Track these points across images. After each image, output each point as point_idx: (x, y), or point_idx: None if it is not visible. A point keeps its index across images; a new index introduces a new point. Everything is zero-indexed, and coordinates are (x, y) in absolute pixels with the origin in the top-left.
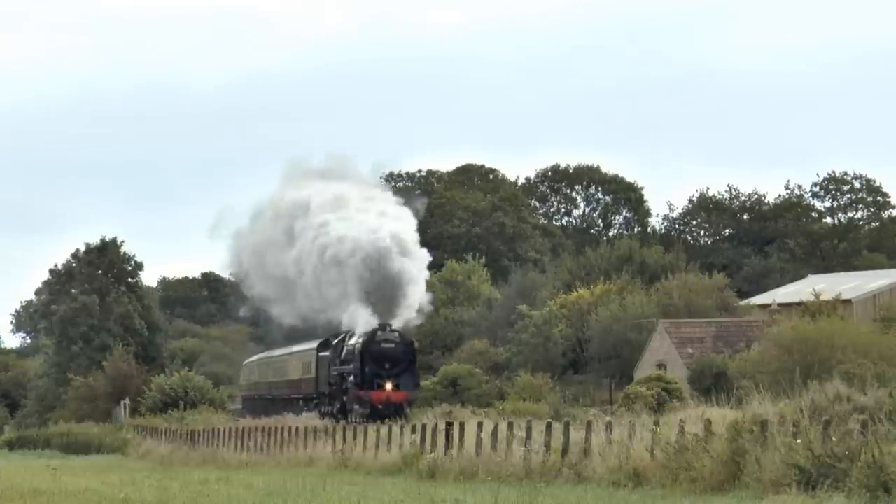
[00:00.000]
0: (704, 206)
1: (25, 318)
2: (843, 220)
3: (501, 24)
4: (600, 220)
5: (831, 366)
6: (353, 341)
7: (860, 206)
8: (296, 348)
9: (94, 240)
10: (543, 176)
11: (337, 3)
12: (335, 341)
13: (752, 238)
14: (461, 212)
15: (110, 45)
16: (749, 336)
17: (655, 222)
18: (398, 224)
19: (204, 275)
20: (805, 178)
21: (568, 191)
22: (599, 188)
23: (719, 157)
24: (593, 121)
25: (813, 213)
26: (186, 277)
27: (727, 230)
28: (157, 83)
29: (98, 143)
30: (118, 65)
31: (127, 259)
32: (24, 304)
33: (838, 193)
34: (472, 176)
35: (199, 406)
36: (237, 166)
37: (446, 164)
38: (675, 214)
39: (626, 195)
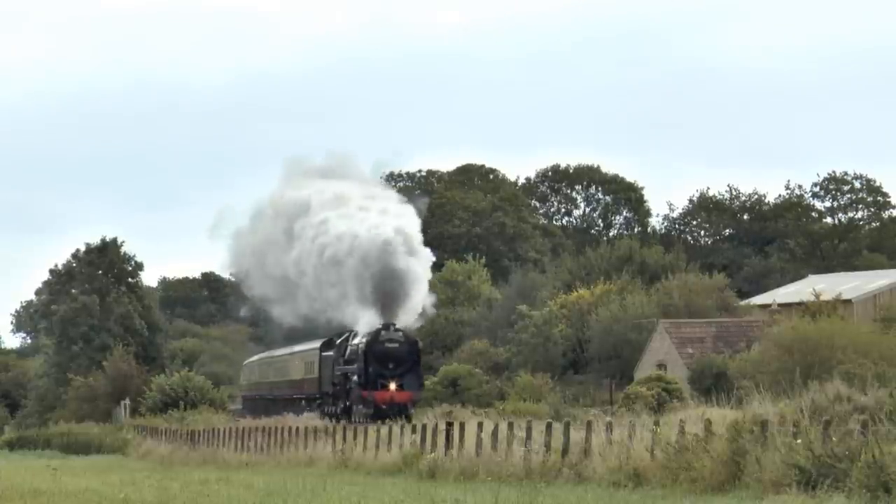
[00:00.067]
0: (704, 206)
1: (25, 318)
2: (843, 220)
3: (501, 23)
4: (600, 221)
5: (831, 366)
6: (356, 341)
7: (860, 206)
8: (298, 348)
9: (95, 240)
10: (544, 176)
11: (337, 3)
12: (338, 341)
13: (753, 238)
14: (461, 212)
15: (110, 44)
16: (749, 336)
17: (655, 222)
18: (402, 220)
19: (204, 275)
20: (805, 178)
21: (568, 191)
22: (599, 188)
23: (719, 157)
24: (593, 121)
25: (813, 213)
26: (186, 277)
27: (727, 230)
28: (157, 83)
29: (98, 143)
30: (118, 64)
31: (127, 259)
32: (24, 304)
33: (838, 193)
34: (473, 176)
35: (200, 406)
36: (237, 166)
37: (446, 164)
38: (675, 214)
39: (627, 195)
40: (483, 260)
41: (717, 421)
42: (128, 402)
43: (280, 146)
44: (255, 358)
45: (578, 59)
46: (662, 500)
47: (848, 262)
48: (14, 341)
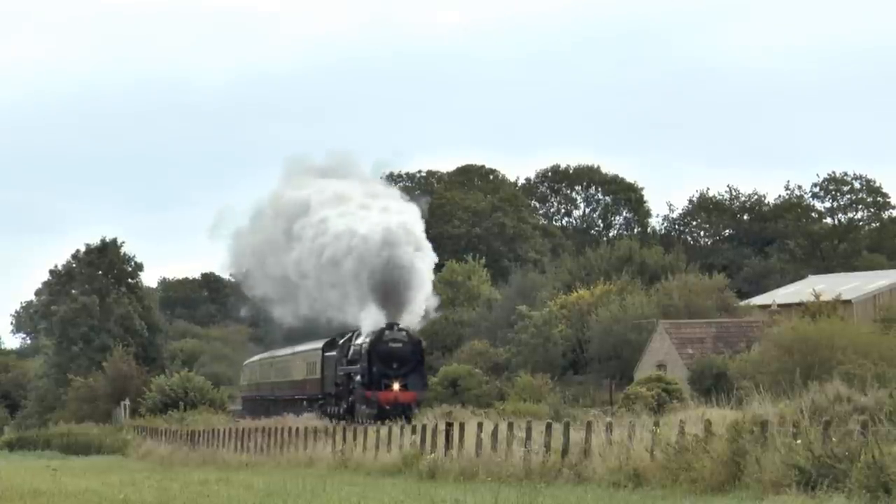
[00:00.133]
0: (704, 207)
1: (25, 319)
2: (843, 220)
3: (501, 23)
4: (600, 221)
5: (831, 366)
6: (359, 341)
7: (860, 206)
8: (300, 348)
9: (95, 240)
10: (543, 176)
11: (337, 3)
12: (341, 341)
13: (752, 238)
14: (461, 212)
15: (110, 44)
16: (749, 336)
17: (655, 223)
18: (405, 217)
19: (204, 275)
20: (805, 178)
21: (568, 191)
22: (599, 189)
23: (719, 157)
24: (593, 121)
25: (813, 214)
26: (186, 278)
27: (727, 231)
28: (157, 82)
29: (98, 143)
30: (118, 64)
31: (127, 260)
32: (24, 304)
33: (838, 194)
34: (472, 176)
35: (199, 407)
36: (237, 166)
37: (446, 165)
38: (675, 215)
39: (626, 196)
40: (483, 260)
41: (717, 421)
42: (128, 402)
43: (280, 146)
44: (255, 358)
45: (578, 59)
46: (662, 500)
47: (848, 263)
48: (14, 342)
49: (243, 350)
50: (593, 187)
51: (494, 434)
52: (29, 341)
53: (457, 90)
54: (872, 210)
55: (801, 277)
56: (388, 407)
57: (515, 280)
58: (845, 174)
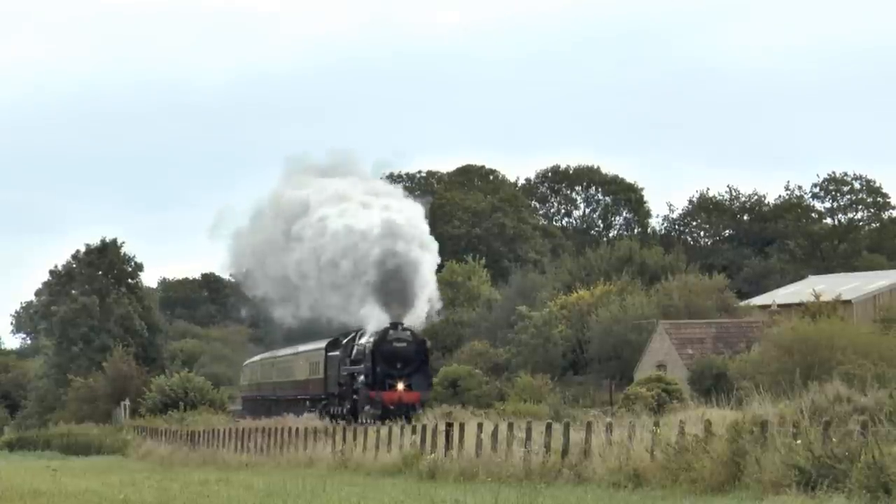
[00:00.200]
0: (704, 207)
1: (25, 319)
2: (843, 220)
3: (501, 23)
4: (600, 221)
5: (831, 367)
6: (363, 340)
7: (860, 206)
8: (302, 348)
9: (95, 240)
10: (543, 177)
11: (337, 3)
12: (345, 340)
13: (752, 239)
14: (461, 213)
15: (110, 44)
16: (749, 337)
17: (655, 223)
18: (408, 213)
19: (204, 276)
20: (805, 178)
21: (568, 192)
22: (599, 189)
23: (719, 157)
24: (593, 121)
25: (813, 214)
26: (186, 278)
27: (727, 231)
28: (157, 83)
29: (98, 143)
30: (118, 64)
31: (127, 260)
32: (24, 304)
33: (838, 194)
34: (472, 177)
35: (199, 407)
36: (237, 166)
37: (446, 165)
38: (675, 215)
39: (626, 196)
40: (483, 261)
41: (717, 422)
42: (127, 402)
43: (280, 146)
44: (256, 358)
45: (578, 59)
46: (662, 500)
47: (848, 263)
48: (14, 342)
49: (243, 350)
50: (593, 187)
51: (494, 434)
52: (29, 341)
53: (457, 90)
54: (872, 210)
55: (801, 278)
56: (392, 407)
57: (515, 280)
58: (845, 174)
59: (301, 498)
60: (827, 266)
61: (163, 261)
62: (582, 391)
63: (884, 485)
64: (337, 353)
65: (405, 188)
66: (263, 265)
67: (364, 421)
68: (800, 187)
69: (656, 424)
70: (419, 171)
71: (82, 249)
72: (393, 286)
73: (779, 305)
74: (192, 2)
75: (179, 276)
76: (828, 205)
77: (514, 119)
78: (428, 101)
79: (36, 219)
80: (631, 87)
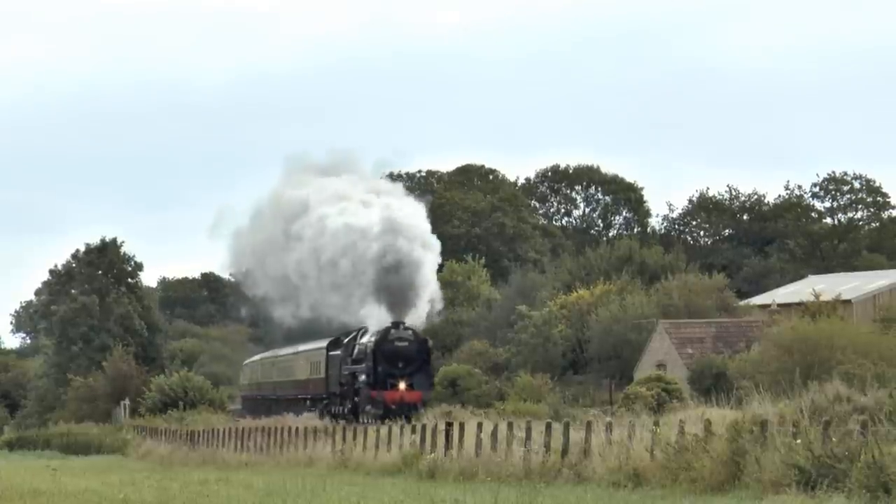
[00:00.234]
0: (704, 207)
1: (25, 319)
2: (842, 220)
3: (501, 23)
4: (600, 221)
5: (831, 366)
6: (364, 340)
7: (860, 206)
8: (303, 347)
9: (94, 240)
10: (543, 176)
11: (337, 3)
12: (346, 340)
13: (752, 238)
14: (461, 212)
15: (110, 44)
16: (749, 336)
17: (655, 223)
18: (409, 211)
19: (204, 275)
20: (805, 178)
21: (568, 191)
22: (599, 188)
23: (719, 157)
24: (593, 121)
25: (813, 214)
26: (186, 278)
27: (727, 230)
28: (157, 82)
29: (98, 143)
30: (118, 64)
31: (127, 259)
32: (23, 304)
33: (838, 194)
34: (472, 176)
35: (199, 406)
36: (237, 166)
37: (446, 165)
38: (674, 215)
39: (626, 195)
40: (483, 260)
41: (717, 421)
42: (127, 402)
43: (280, 146)
44: (256, 358)
45: (578, 59)
46: (662, 500)
47: (847, 263)
48: (14, 341)
49: (243, 350)
50: (593, 187)
51: (494, 434)
52: (29, 341)
53: (457, 90)
54: (872, 210)
55: (801, 277)
56: (393, 407)
57: (515, 280)
58: (845, 174)
59: (301, 497)
60: (827, 266)
61: (162, 260)
62: (582, 391)
63: (884, 484)
64: (338, 352)
65: (405, 188)
66: (263, 264)
67: (366, 420)
68: (800, 187)
69: (656, 424)
70: (419, 171)
71: (82, 249)
72: (393, 282)
73: (779, 305)
74: (192, 2)
75: (179, 275)
76: (827, 204)
77: (513, 119)
78: (428, 101)
79: (36, 219)
80: (631, 87)
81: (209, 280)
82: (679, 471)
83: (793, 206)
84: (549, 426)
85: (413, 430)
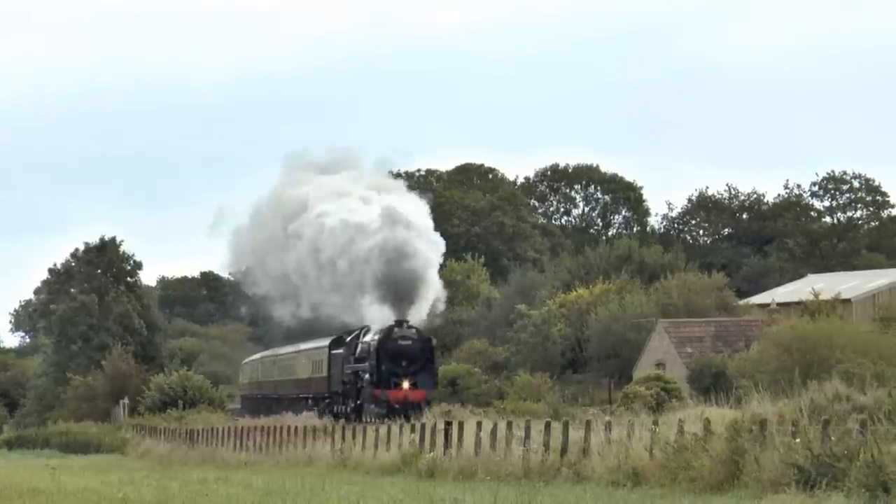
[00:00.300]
0: (703, 206)
1: (24, 318)
2: (842, 219)
3: (501, 23)
4: (599, 220)
5: (830, 365)
6: (367, 338)
7: (859, 205)
8: (305, 346)
9: (94, 239)
10: (542, 175)
11: (337, 3)
12: (349, 338)
13: (752, 237)
14: (460, 211)
15: (110, 43)
16: (748, 335)
17: (654, 222)
18: (411, 207)
19: (203, 274)
20: (804, 177)
21: (567, 190)
22: (598, 188)
23: (718, 156)
24: (592, 120)
25: (812, 213)
26: (185, 277)
27: (726, 230)
28: (157, 82)
29: (98, 143)
30: (118, 63)
31: (126, 258)
32: (23, 303)
33: (837, 193)
34: (472, 175)
35: (198, 405)
36: (237, 166)
37: (445, 164)
38: (674, 214)
39: (626, 195)
40: (482, 259)
41: (716, 420)
42: (126, 401)
43: (280, 146)
44: (256, 356)
45: (578, 59)
46: (661, 499)
47: (847, 262)
48: (13, 340)
49: (242, 349)
50: (592, 186)
51: (493, 433)
52: (28, 340)
53: (457, 89)
54: (871, 209)
55: (801, 276)
56: (397, 406)
57: (514, 279)
58: (844, 173)
59: (300, 496)
60: (826, 265)
61: (162, 259)
62: (581, 390)
63: (883, 483)
64: (341, 350)
65: (405, 186)
66: (263, 263)
67: (369, 420)
68: (799, 186)
69: (655, 423)
70: (418, 170)
71: (81, 248)
72: (396, 274)
73: (778, 304)
74: (192, 2)
75: (178, 274)
76: (827, 203)
77: (513, 118)
78: (428, 101)
79: (36, 218)
80: (631, 86)
81: (208, 279)
82: (678, 470)
83: (792, 206)
84: (548, 425)
85: (412, 430)
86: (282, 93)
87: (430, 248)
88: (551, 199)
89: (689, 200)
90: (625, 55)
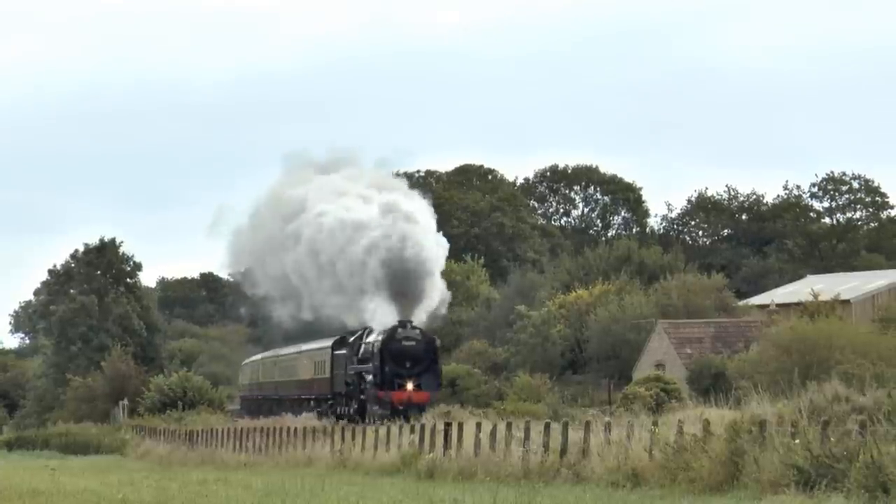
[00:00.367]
0: (703, 207)
1: (24, 319)
2: (841, 220)
3: (501, 23)
4: (599, 221)
5: (830, 366)
6: (371, 339)
7: (859, 206)
8: (307, 346)
9: (93, 240)
10: (542, 176)
11: (337, 3)
12: (351, 339)
13: (751, 238)
14: (460, 212)
15: (110, 43)
16: (748, 336)
17: (654, 223)
18: (413, 205)
19: (203, 275)
20: (804, 178)
21: (566, 191)
22: (598, 188)
23: (718, 157)
24: (592, 121)
25: (811, 214)
26: (185, 278)
27: (726, 230)
28: (157, 82)
29: (98, 143)
30: (118, 63)
31: (125, 259)
32: (22, 304)
33: (837, 194)
34: (471, 176)
35: (198, 406)
36: (237, 166)
37: (445, 165)
38: (673, 215)
39: (625, 195)
40: (482, 260)
41: (716, 421)
42: (126, 402)
43: (280, 146)
44: (256, 357)
45: (577, 59)
46: (661, 500)
47: (846, 263)
48: (12, 342)
49: (241, 350)
50: (592, 187)
51: (493, 434)
52: (27, 341)
53: (457, 90)
54: (871, 210)
55: (800, 277)
56: (401, 407)
57: (514, 280)
58: (844, 174)
59: (300, 497)
60: (825, 266)
61: (161, 260)
62: (580, 391)
63: (882, 484)
64: (343, 351)
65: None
66: (263, 264)
67: (372, 421)
68: (798, 187)
69: (655, 424)
70: (417, 171)
71: (81, 249)
72: (397, 269)
73: (777, 305)
74: (192, 2)
75: (178, 275)
76: (826, 204)
77: (513, 118)
78: (428, 101)
79: (36, 218)
80: (630, 86)
81: (208, 280)
82: (678, 471)
83: (791, 206)
84: (547, 426)
85: (412, 430)
86: (282, 93)
87: (434, 246)
88: (551, 199)
89: (689, 201)
90: (625, 55)
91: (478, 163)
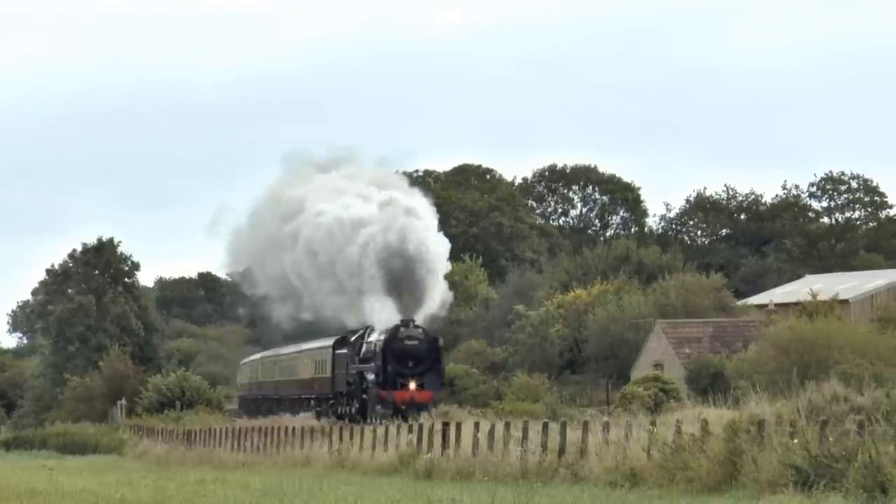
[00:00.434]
0: (701, 206)
1: (22, 319)
2: (840, 220)
3: (501, 23)
4: (597, 221)
5: (828, 366)
6: (373, 338)
7: (857, 206)
8: (307, 346)
9: (91, 240)
10: (540, 176)
11: (337, 3)
12: (353, 338)
13: (750, 238)
14: (458, 212)
15: (110, 43)
16: (746, 336)
17: (652, 222)
18: (414, 202)
19: (201, 275)
20: (802, 178)
21: (565, 191)
22: (596, 188)
23: (716, 157)
24: (591, 121)
25: (810, 214)
26: (183, 278)
27: (724, 230)
28: (156, 82)
29: (97, 143)
30: (118, 64)
31: (123, 259)
32: (20, 304)
33: (835, 193)
34: (469, 176)
35: (196, 406)
36: (237, 166)
37: (443, 165)
38: (672, 214)
39: (623, 195)
40: (480, 260)
41: (714, 421)
42: (124, 402)
43: (280, 146)
44: (255, 357)
45: (576, 59)
46: (659, 500)
47: (845, 262)
48: (10, 341)
49: (240, 350)
50: (590, 187)
51: (491, 433)
52: (25, 341)
53: (456, 90)
54: (870, 210)
55: (799, 277)
56: (403, 407)
57: (512, 280)
58: (842, 174)
59: (297, 497)
60: (824, 265)
61: (159, 260)
62: (579, 390)
63: (880, 484)
64: (345, 350)
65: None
66: (263, 263)
67: (374, 421)
68: (797, 186)
69: (653, 424)
70: (416, 171)
71: (79, 249)
72: (398, 266)
73: (776, 305)
74: (192, 2)
75: (176, 275)
76: (825, 204)
77: (511, 118)
78: (428, 101)
79: (35, 218)
80: (630, 86)
81: (206, 280)
82: (676, 471)
83: (790, 206)
84: (545, 426)
85: (410, 430)
86: (282, 93)
87: (437, 244)
88: (549, 199)
89: (687, 201)
90: (624, 55)
91: (476, 162)
